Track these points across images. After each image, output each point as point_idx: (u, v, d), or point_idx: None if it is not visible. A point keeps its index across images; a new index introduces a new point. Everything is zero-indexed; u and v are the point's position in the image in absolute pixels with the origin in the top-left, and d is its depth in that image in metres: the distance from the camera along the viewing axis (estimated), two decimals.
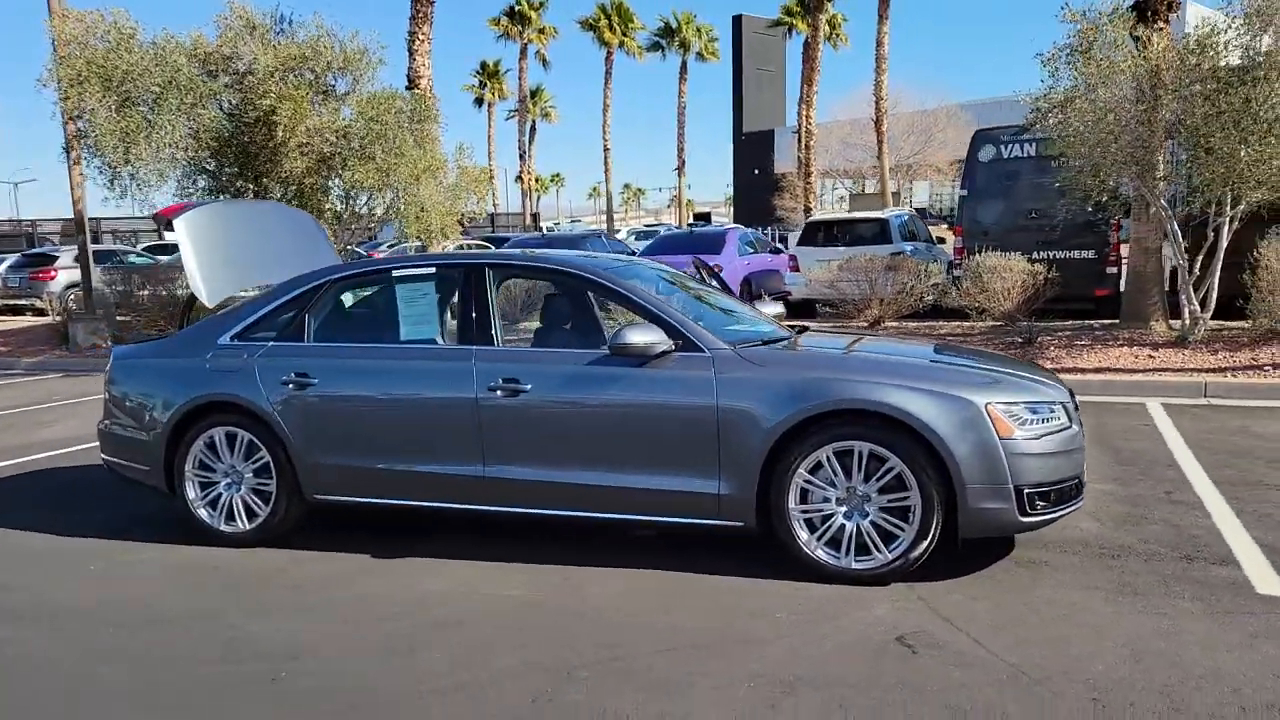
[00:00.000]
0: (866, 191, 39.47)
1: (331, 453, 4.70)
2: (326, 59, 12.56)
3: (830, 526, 4.04)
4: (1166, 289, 11.04)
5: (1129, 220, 12.05)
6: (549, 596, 4.06)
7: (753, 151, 59.14)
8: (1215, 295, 9.58)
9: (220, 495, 4.94)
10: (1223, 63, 8.87)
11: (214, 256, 5.27)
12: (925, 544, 3.92)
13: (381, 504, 4.75)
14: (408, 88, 14.64)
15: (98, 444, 5.42)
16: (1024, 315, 11.30)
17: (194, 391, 4.91)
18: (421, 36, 14.71)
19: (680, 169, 46.80)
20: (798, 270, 14.28)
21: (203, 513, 4.96)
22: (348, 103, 12.98)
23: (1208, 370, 8.71)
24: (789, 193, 40.32)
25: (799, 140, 40.60)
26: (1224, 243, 9.46)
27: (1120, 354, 9.50)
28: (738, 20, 53.51)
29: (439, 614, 3.90)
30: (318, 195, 13.08)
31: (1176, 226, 9.72)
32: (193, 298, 5.46)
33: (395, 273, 4.98)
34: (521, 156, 52.20)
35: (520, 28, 45.34)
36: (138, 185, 12.30)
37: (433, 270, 4.94)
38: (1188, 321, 9.70)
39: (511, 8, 44.95)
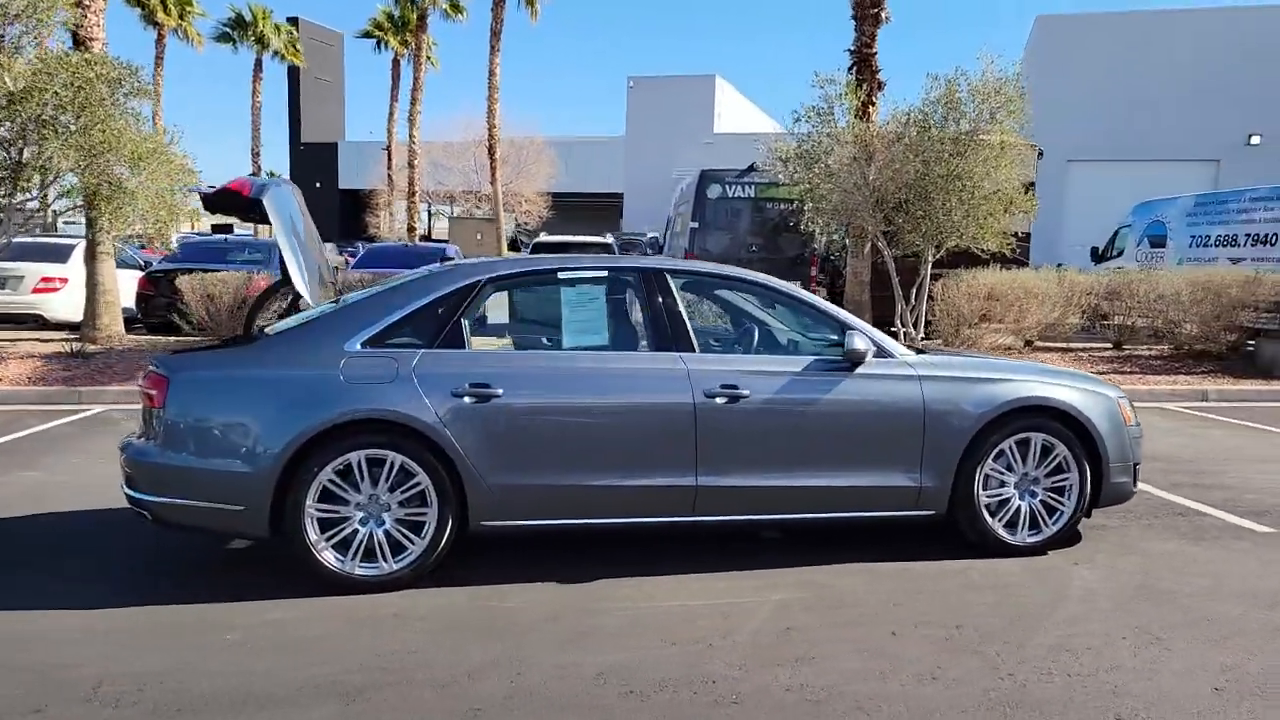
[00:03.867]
0: (462, 216, 40.10)
1: (520, 473, 4.21)
2: None
3: (1008, 508, 4.73)
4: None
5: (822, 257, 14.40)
6: (819, 595, 4.17)
7: (313, 164, 56.59)
8: (923, 320, 12.01)
9: (355, 532, 4.11)
10: (940, 136, 11.23)
11: (298, 244, 4.31)
12: (1079, 516, 4.80)
13: (570, 525, 4.36)
14: (75, 48, 12.05)
15: (126, 485, 4.11)
16: None
17: (329, 409, 4.03)
18: None
19: (255, 175, 42.82)
20: None
21: (329, 556, 4.08)
22: (15, 63, 10.35)
23: None
24: (379, 210, 39.46)
25: (389, 157, 40.15)
26: (928, 278, 11.93)
27: None
28: (293, 23, 50.77)
29: (760, 625, 3.82)
30: None
31: (894, 266, 11.99)
32: (265, 295, 4.39)
33: (561, 274, 4.58)
34: None
35: None
36: None
37: (604, 273, 4.65)
38: (904, 343, 11.98)
39: None
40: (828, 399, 4.50)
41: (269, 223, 4.28)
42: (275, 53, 40.53)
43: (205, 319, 12.75)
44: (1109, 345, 13.58)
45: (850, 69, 12.52)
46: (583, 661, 3.45)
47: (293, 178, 59.32)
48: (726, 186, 14.02)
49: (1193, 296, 11.91)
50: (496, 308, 4.52)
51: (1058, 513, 4.79)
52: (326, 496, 4.08)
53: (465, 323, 4.35)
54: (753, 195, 13.96)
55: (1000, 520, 4.72)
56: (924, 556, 4.68)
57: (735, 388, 4.38)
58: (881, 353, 4.66)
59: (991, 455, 4.67)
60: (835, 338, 4.69)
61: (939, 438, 4.59)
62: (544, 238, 16.57)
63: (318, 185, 56.42)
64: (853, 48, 12.63)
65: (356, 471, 4.09)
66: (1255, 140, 30.25)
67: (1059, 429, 4.73)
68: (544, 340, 4.65)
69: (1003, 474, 4.72)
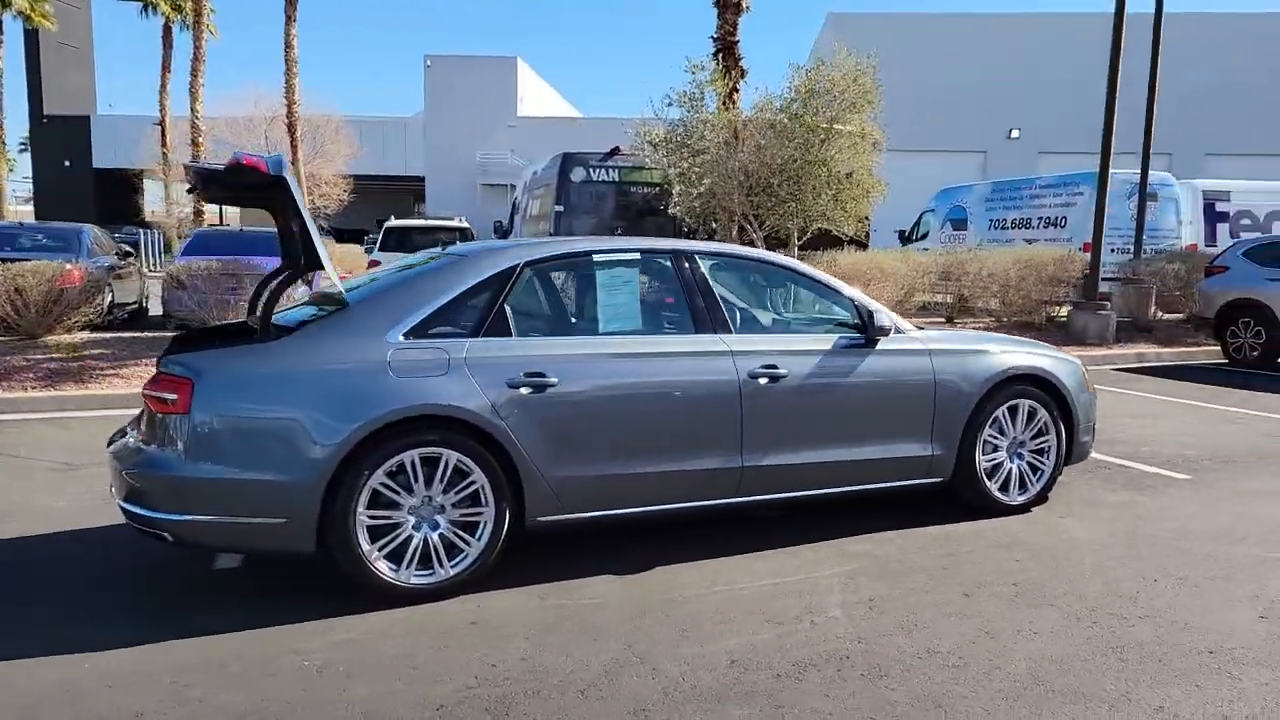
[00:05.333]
0: None
1: (576, 464, 4.04)
2: None
3: (1001, 471, 5.07)
4: None
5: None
6: (871, 565, 4.30)
7: (59, 140, 50.96)
8: None
9: (410, 538, 3.80)
10: (813, 124, 11.71)
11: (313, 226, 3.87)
12: (1057, 476, 5.22)
13: (625, 515, 4.23)
14: None
15: (130, 503, 3.57)
16: None
17: (383, 406, 3.69)
18: None
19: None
20: None
21: (383, 566, 3.75)
22: None
23: None
24: (151, 192, 36.02)
25: (164, 134, 36.74)
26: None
27: None
28: None
29: (842, 598, 3.90)
30: None
31: (764, 246, 12.40)
32: (285, 280, 3.90)
33: (596, 256, 4.39)
34: None
35: None
36: None
37: (638, 255, 4.50)
38: None
39: None
40: (856, 375, 4.63)
41: (286, 205, 3.80)
42: (19, 13, 35.76)
43: (11, 315, 11.23)
44: (943, 320, 14.74)
45: (714, 55, 12.80)
46: (705, 651, 3.37)
47: (34, 154, 53.13)
48: (590, 170, 13.95)
49: (1019, 274, 13.15)
50: (533, 291, 4.29)
51: (1040, 472, 5.19)
52: (375, 502, 3.73)
53: (509, 309, 4.10)
54: (616, 179, 13.98)
55: (995, 483, 5.06)
56: (927, 522, 4.92)
57: (775, 367, 4.42)
58: (897, 329, 4.84)
59: (989, 422, 4.98)
60: (849, 316, 4.82)
61: (947, 408, 4.84)
62: (394, 222, 15.82)
63: (67, 164, 50.94)
64: (716, 35, 12.92)
65: (409, 472, 3.77)
66: (1015, 134, 33.80)
67: (1042, 395, 5.12)
68: (583, 325, 4.47)
69: (996, 439, 5.05)
